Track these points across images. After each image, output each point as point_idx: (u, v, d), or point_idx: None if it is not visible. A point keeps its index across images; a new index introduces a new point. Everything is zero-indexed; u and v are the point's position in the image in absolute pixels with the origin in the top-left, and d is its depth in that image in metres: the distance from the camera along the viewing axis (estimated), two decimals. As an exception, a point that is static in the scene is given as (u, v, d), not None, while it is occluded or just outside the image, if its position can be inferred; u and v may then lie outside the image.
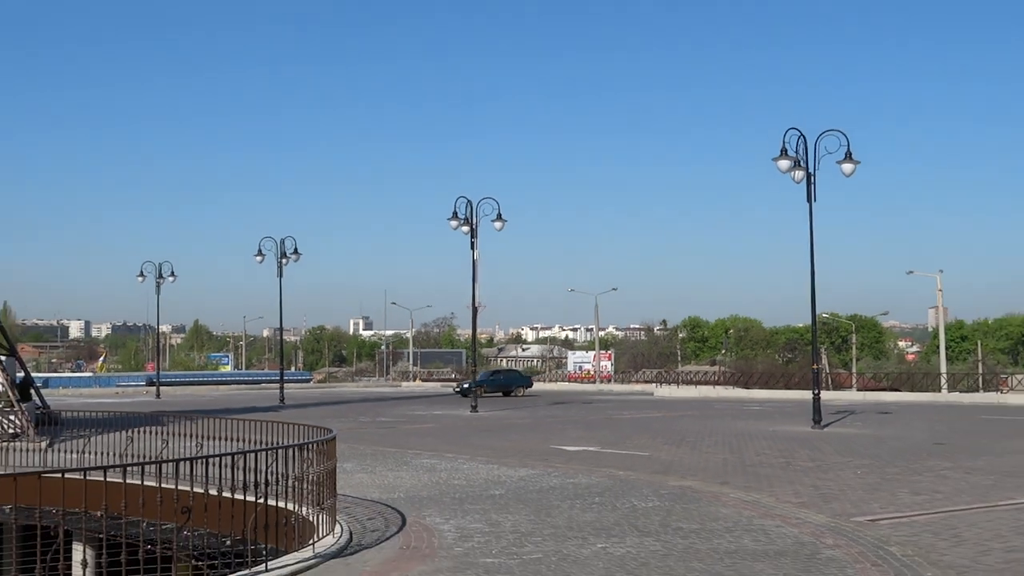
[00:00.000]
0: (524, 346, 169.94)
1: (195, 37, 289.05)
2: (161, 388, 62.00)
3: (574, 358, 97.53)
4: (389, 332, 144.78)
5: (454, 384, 61.08)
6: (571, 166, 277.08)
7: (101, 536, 10.62)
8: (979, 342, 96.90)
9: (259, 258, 49.10)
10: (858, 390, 60.25)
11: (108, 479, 9.01)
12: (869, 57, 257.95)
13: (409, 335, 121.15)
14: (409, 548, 10.31)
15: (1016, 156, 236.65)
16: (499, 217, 37.08)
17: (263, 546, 9.99)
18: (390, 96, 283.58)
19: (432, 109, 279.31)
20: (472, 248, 37.64)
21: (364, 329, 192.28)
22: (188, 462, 9.56)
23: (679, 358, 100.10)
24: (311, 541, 10.22)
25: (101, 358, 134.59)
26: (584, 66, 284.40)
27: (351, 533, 11.00)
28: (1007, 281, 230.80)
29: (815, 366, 31.93)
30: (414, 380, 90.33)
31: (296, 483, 10.99)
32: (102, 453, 19.47)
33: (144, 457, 17.24)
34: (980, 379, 67.20)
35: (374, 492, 14.47)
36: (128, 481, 10.24)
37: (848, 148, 27.61)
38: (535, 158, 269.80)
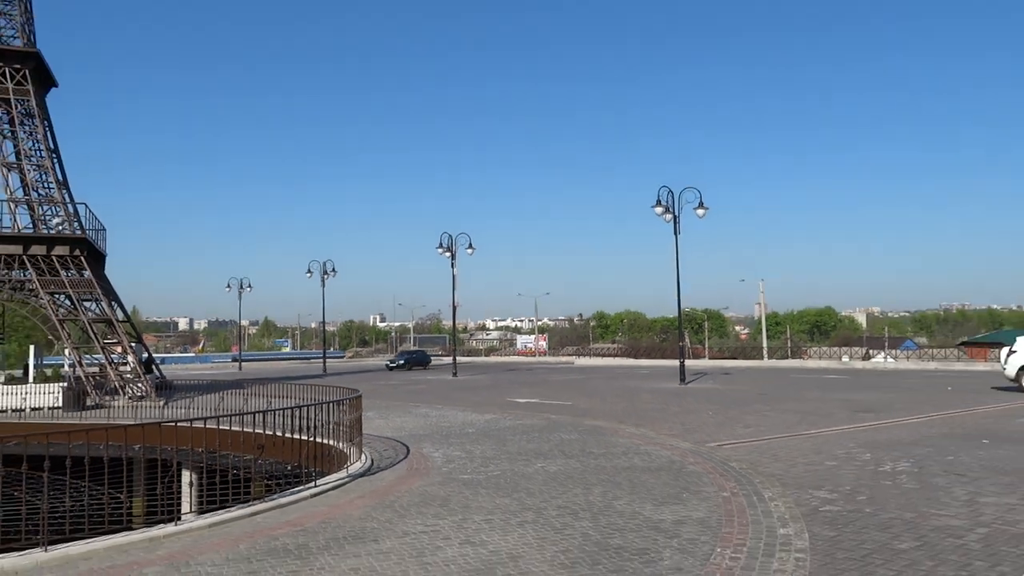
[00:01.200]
0: (488, 332, 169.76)
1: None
2: (242, 364, 61.57)
3: (521, 340, 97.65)
4: (396, 323, 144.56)
5: (387, 361, 54.78)
6: (516, 197, 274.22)
7: (202, 465, 10.49)
8: (788, 326, 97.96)
9: (308, 275, 49.27)
10: (709, 359, 60.74)
11: (206, 426, 8.91)
12: (720, 139, 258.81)
13: (410, 325, 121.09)
14: (412, 469, 10.29)
15: (814, 197, 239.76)
16: (470, 245, 37.50)
17: (313, 470, 9.94)
18: (392, 149, 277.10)
19: (426, 158, 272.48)
20: (452, 267, 37.88)
21: (380, 321, 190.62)
22: (261, 414, 9.47)
23: (591, 339, 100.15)
24: (346, 466, 10.16)
25: (201, 344, 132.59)
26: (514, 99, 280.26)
27: (372, 460, 10.94)
28: (806, 283, 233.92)
29: (681, 343, 32.22)
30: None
31: (335, 427, 10.93)
32: (201, 408, 19.23)
33: (230, 410, 17.05)
34: (789, 350, 67.97)
35: (388, 432, 14.40)
36: (220, 428, 10.15)
37: (699, 202, 28.05)
38: (493, 193, 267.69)
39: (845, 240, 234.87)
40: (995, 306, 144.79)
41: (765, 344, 65.42)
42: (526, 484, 9.00)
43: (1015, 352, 22.86)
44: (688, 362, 36.68)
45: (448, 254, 37.58)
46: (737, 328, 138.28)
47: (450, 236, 37.70)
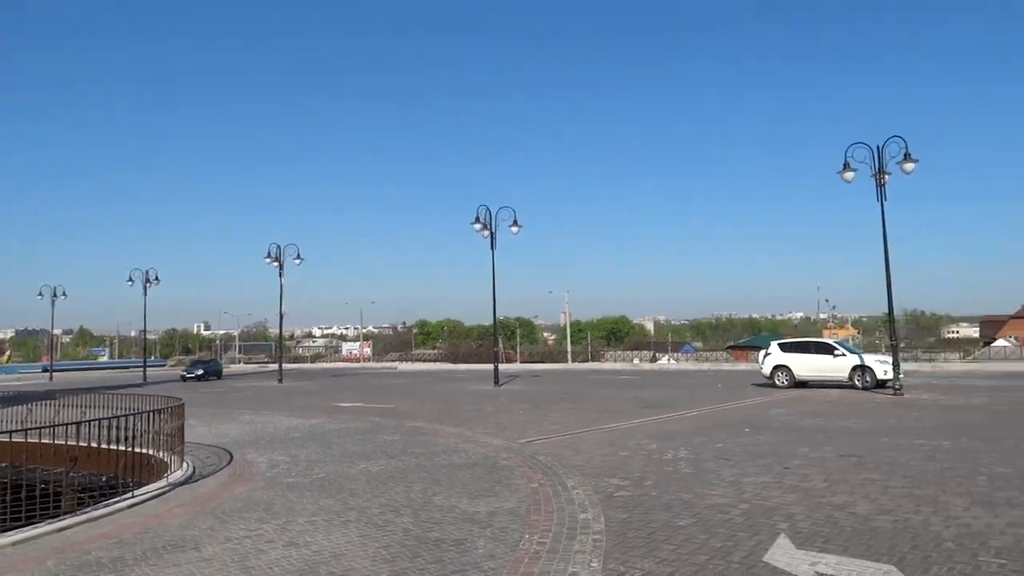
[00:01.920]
0: (314, 339, 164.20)
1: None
2: (54, 374, 55.55)
3: (347, 346, 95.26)
4: (222, 332, 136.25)
5: (182, 371, 46.35)
6: (344, 209, 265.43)
7: (5, 481, 9.35)
8: (589, 332, 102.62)
9: (130, 283, 45.45)
10: (520, 363, 62.36)
11: (13, 439, 7.95)
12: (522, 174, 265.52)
13: (236, 333, 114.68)
14: (235, 476, 9.72)
15: (614, 215, 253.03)
16: (298, 256, 36.24)
17: (131, 481, 9.15)
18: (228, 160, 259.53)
19: (262, 175, 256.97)
20: (280, 276, 36.40)
21: (204, 329, 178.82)
22: (74, 425, 8.60)
23: (413, 345, 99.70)
24: (166, 475, 9.43)
25: (6, 354, 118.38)
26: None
27: (194, 468, 10.23)
28: (605, 294, 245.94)
29: (495, 348, 32.82)
30: (240, 363, 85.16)
31: (155, 436, 10.13)
32: (6, 421, 17.14)
33: (39, 422, 15.35)
34: (589, 354, 71.12)
35: (211, 439, 13.52)
36: (28, 440, 9.11)
37: (513, 220, 28.89)
38: (322, 205, 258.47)
39: (638, 255, 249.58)
40: (755, 315, 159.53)
41: (569, 349, 68.06)
42: (350, 485, 8.78)
43: (770, 354, 25.31)
44: (502, 366, 37.47)
45: (276, 264, 36.15)
46: (545, 334, 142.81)
47: (278, 246, 36.33)
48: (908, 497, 7.49)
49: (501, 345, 62.01)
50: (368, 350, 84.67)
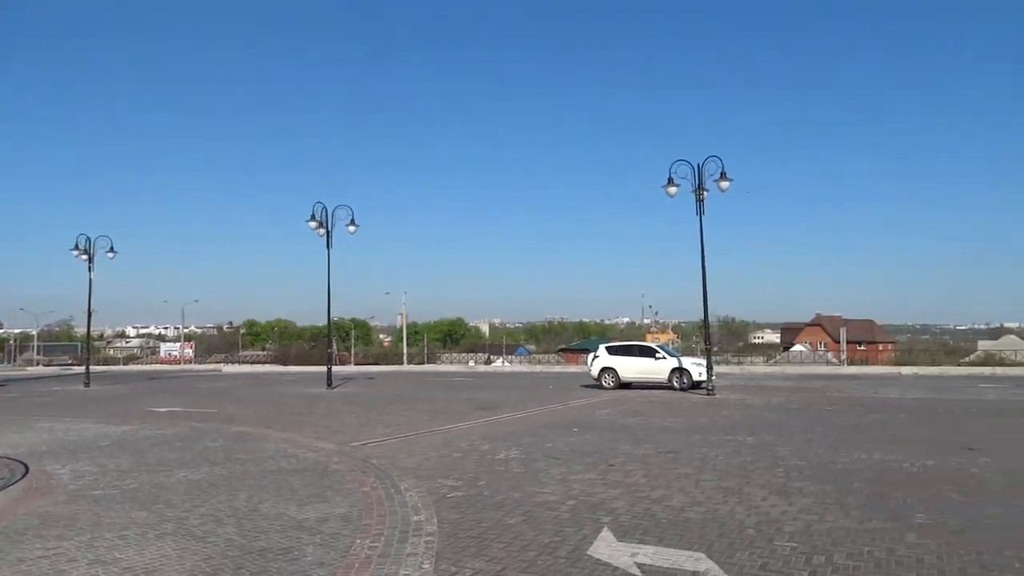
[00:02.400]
0: (128, 340, 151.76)
1: None
2: None
3: (165, 347, 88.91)
4: (17, 330, 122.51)
5: None
6: (161, 202, 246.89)
7: None
8: (425, 334, 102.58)
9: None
10: (355, 365, 61.15)
11: None
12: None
13: (34, 332, 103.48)
14: (31, 489, 8.79)
15: (450, 217, 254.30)
16: (111, 248, 33.28)
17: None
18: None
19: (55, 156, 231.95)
20: (89, 271, 33.24)
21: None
22: None
23: (240, 346, 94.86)
24: (-56, 491, 8.34)
25: None
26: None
27: (-19, 482, 9.13)
28: (442, 295, 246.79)
29: (329, 350, 31.95)
30: (38, 365, 76.99)
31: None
32: None
33: None
34: (425, 356, 71.02)
35: (1, 450, 12.14)
36: None
37: (351, 219, 28.34)
38: (138, 198, 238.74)
39: (476, 258, 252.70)
40: (585, 319, 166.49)
41: (405, 351, 67.59)
42: (167, 495, 8.21)
43: (598, 357, 26.53)
44: (335, 368, 36.55)
45: (85, 257, 33.00)
46: (381, 336, 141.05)
47: (88, 239, 33.13)
48: (717, 489, 8.13)
49: (335, 347, 60.49)
50: (190, 351, 79.51)
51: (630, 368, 25.42)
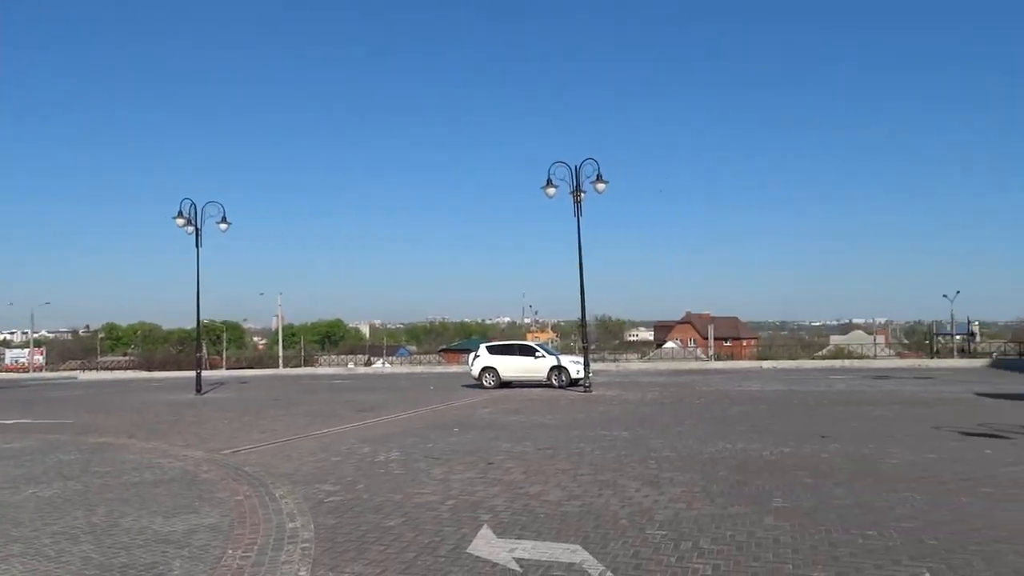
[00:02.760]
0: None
1: None
2: None
3: (11, 354, 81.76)
4: None
5: None
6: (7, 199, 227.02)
7: None
8: (302, 336, 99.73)
9: None
10: (227, 369, 58.64)
11: None
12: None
13: None
14: None
15: (333, 215, 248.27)
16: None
17: None
18: None
19: None
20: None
21: None
22: None
23: (99, 352, 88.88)
24: None
25: None
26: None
27: None
28: (321, 296, 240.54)
29: (198, 354, 30.46)
30: None
31: None
32: None
33: None
34: (302, 359, 69.07)
35: None
36: None
37: (222, 217, 27.13)
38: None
39: (355, 258, 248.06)
40: (467, 319, 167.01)
41: (281, 353, 65.46)
42: (14, 514, 7.58)
43: (479, 356, 26.70)
44: (206, 373, 35.01)
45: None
46: (256, 339, 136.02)
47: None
48: (593, 483, 8.39)
49: (205, 350, 57.77)
50: (40, 358, 73.58)
51: (510, 367, 25.74)
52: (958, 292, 60.82)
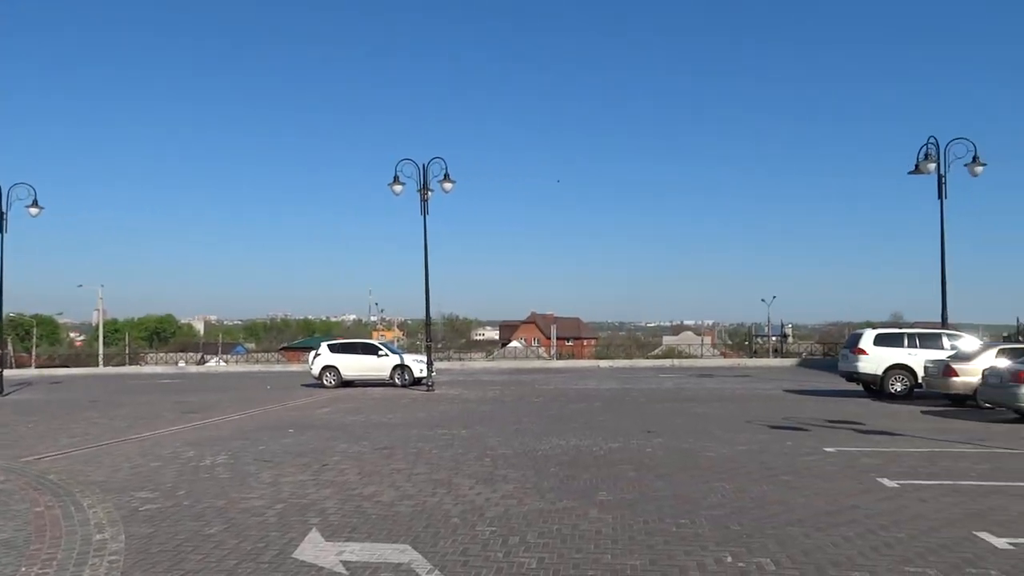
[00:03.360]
0: None
1: None
2: None
3: None
4: None
5: None
6: None
7: None
8: (128, 332, 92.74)
9: None
10: (36, 367, 53.40)
11: None
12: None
13: None
14: None
15: (164, 204, 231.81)
16: None
17: None
18: None
19: None
20: None
21: None
22: None
23: None
24: None
25: None
26: None
27: None
28: (150, 291, 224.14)
29: (2, 350, 27.53)
30: None
31: None
32: None
33: None
34: (127, 357, 64.25)
35: None
36: None
37: (33, 201, 24.61)
38: None
39: (188, 250, 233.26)
40: (311, 316, 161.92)
41: (102, 351, 60.52)
42: None
43: (319, 355, 25.98)
44: (9, 372, 31.81)
45: None
46: (73, 335, 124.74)
47: None
48: (428, 482, 8.41)
49: (11, 347, 52.35)
50: None
51: (352, 366, 25.27)
52: (775, 297, 67.19)
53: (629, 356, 52.87)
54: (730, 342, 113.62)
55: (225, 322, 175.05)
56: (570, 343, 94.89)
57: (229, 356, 68.84)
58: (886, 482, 8.01)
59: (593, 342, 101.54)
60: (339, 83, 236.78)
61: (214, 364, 56.68)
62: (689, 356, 50.67)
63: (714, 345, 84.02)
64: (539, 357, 53.57)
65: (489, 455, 10.27)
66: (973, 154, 21.74)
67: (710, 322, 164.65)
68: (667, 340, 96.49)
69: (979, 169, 21.86)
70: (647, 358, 52.01)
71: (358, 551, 5.68)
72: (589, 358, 55.93)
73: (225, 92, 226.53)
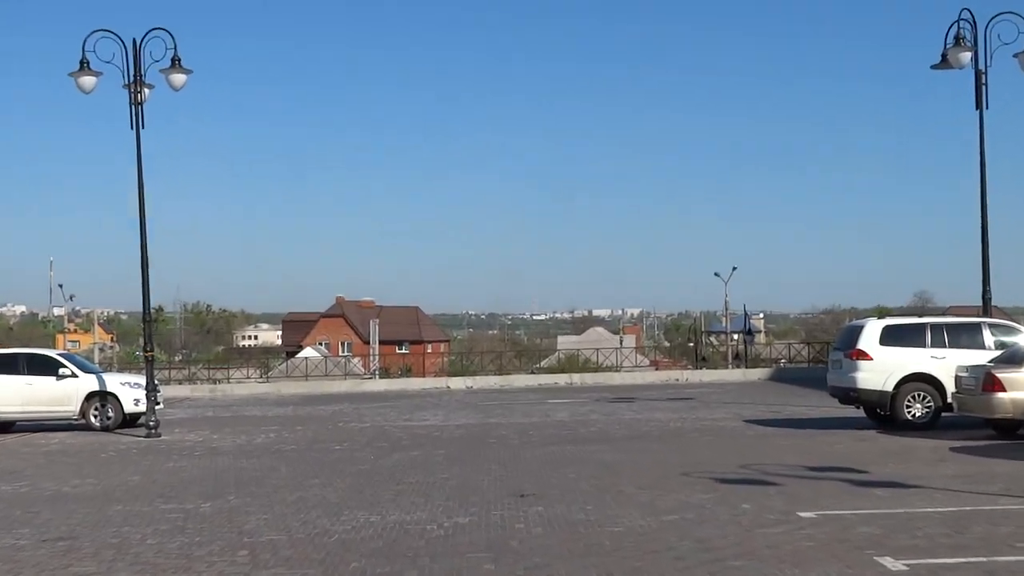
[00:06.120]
0: None
1: None
2: None
3: None
4: None
5: None
6: None
7: None
8: None
9: None
10: None
11: None
12: None
13: None
14: None
15: None
16: None
17: None
18: None
19: None
20: None
21: None
22: None
23: None
24: None
25: None
26: None
27: None
28: None
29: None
30: None
31: None
32: None
33: None
34: None
35: None
36: None
37: None
38: None
39: None
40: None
41: None
42: None
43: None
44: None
45: None
46: None
47: None
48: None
49: None
50: None
51: (10, 396, 24.20)
52: (735, 269, 68.32)
53: (501, 370, 53.41)
54: (667, 343, 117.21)
55: None
56: (404, 349, 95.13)
57: None
58: (889, 563, 8.37)
59: (442, 347, 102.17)
60: None
61: None
62: (598, 369, 51.84)
63: (640, 349, 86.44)
64: (349, 374, 53.22)
65: (247, 545, 10.00)
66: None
67: (634, 311, 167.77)
68: (564, 342, 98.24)
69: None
70: (531, 373, 52.85)
71: None
72: (435, 374, 56.20)
73: None
